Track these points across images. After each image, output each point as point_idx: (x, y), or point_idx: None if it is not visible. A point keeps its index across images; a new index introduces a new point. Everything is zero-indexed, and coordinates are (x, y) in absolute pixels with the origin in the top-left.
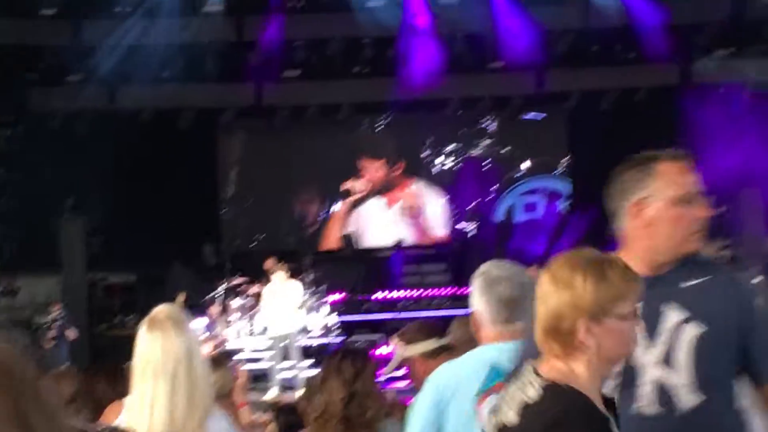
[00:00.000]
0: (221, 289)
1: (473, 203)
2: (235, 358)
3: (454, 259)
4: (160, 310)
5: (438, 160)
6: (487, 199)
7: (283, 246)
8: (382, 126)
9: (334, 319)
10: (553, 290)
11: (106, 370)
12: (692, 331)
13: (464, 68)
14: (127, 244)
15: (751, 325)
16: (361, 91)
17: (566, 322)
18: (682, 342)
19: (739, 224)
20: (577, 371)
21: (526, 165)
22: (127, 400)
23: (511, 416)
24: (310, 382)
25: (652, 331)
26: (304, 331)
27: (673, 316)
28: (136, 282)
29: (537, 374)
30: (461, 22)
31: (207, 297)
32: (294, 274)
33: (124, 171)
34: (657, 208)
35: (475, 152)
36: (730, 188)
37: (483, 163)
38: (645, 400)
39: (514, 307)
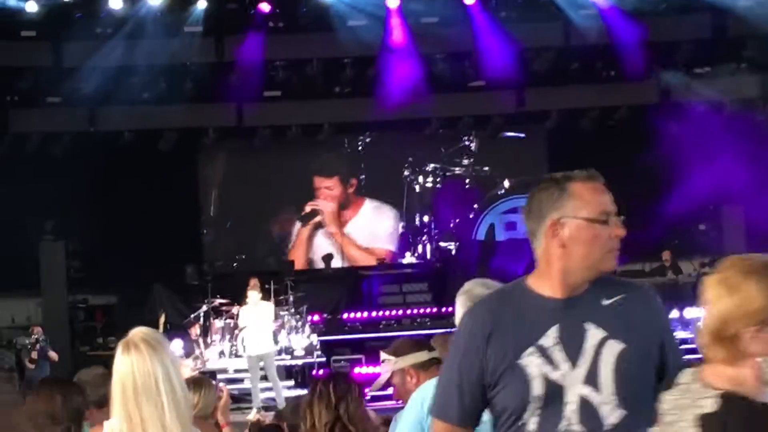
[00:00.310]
0: (203, 309)
1: (454, 222)
2: (218, 378)
3: (435, 279)
4: (135, 332)
5: (419, 179)
6: (467, 218)
7: (263, 266)
8: (363, 145)
9: (315, 339)
10: (722, 294)
11: (60, 386)
12: (613, 350)
13: (445, 87)
14: (108, 266)
15: (666, 340)
16: (342, 111)
17: (732, 327)
18: (604, 360)
19: (719, 241)
20: (745, 377)
21: (506, 184)
22: (112, 423)
23: (686, 429)
24: (291, 402)
25: (575, 350)
26: (286, 351)
27: (594, 335)
28: (117, 303)
29: (704, 383)
30: (442, 42)
31: (188, 318)
32: (275, 294)
33: (104, 192)
34: (572, 229)
35: (456, 171)
36: (710, 205)
37: (464, 182)
38: (571, 419)
39: None
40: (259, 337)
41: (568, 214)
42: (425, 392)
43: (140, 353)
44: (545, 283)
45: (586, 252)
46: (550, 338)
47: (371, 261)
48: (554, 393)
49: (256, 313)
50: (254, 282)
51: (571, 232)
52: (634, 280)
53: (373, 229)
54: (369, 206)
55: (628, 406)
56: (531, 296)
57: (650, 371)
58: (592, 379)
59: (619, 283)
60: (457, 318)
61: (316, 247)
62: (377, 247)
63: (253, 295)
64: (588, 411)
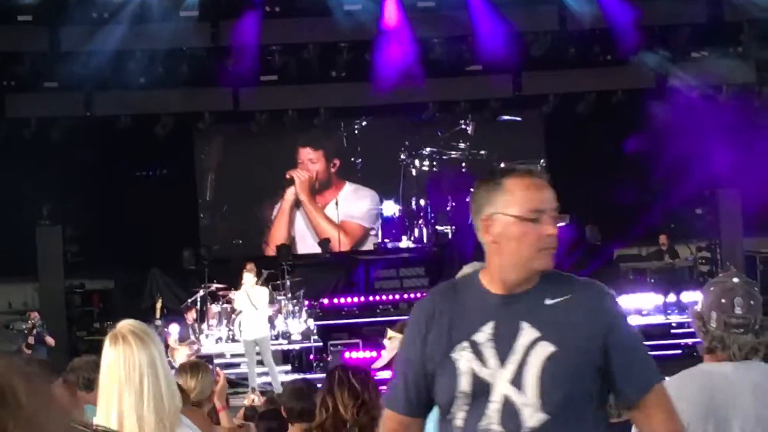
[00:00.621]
0: (199, 294)
1: (450, 206)
2: (215, 362)
3: (432, 263)
4: (123, 324)
5: (415, 163)
6: (464, 202)
7: (260, 251)
8: (359, 130)
9: (312, 324)
10: None
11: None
12: (543, 352)
13: (441, 71)
14: (105, 251)
15: (611, 343)
16: (338, 95)
17: None
18: (531, 362)
19: (716, 225)
20: None
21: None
22: (97, 411)
23: None
24: (288, 386)
25: (506, 349)
26: (283, 336)
27: (527, 335)
28: (114, 288)
29: None
30: (438, 26)
31: (185, 302)
32: (272, 279)
33: (101, 177)
34: (502, 224)
35: (452, 155)
36: (707, 189)
37: (460, 166)
38: (491, 419)
39: None
40: (255, 322)
41: (498, 210)
42: None
43: (128, 345)
44: (489, 279)
45: (515, 249)
46: (484, 334)
47: (345, 238)
48: (481, 390)
49: (252, 297)
50: (250, 266)
51: (500, 228)
52: (589, 280)
53: (349, 209)
54: (349, 189)
55: (550, 410)
56: (478, 290)
57: (586, 376)
58: (517, 379)
59: (570, 282)
60: None
61: (297, 224)
62: (352, 222)
63: (249, 278)
64: (509, 412)
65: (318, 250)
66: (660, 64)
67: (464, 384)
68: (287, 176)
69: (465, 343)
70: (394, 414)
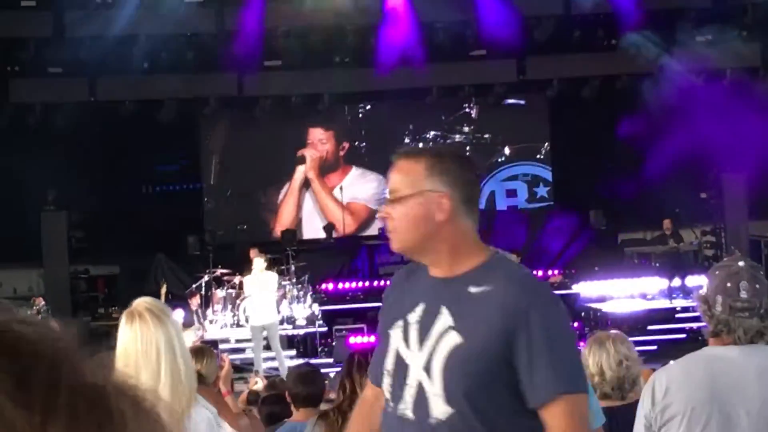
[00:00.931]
0: (204, 279)
1: None
2: (220, 348)
3: None
4: (139, 302)
5: (419, 147)
6: None
7: (265, 236)
8: (363, 114)
9: (317, 308)
10: None
11: None
12: (450, 342)
13: (445, 56)
14: (110, 236)
15: (519, 341)
16: (343, 81)
17: None
18: (440, 351)
19: (720, 209)
20: None
21: (507, 151)
22: None
23: None
24: (293, 371)
25: (425, 333)
26: (288, 321)
27: (442, 321)
28: (119, 273)
29: None
30: (442, 10)
31: (190, 288)
32: (277, 264)
33: (105, 163)
34: None
35: (456, 138)
36: (711, 173)
37: (464, 150)
38: (407, 403)
39: None
40: (263, 307)
41: None
42: None
43: (144, 322)
44: None
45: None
46: (415, 314)
47: (350, 219)
48: (401, 371)
49: (260, 282)
50: (254, 252)
51: None
52: (522, 275)
53: (355, 193)
54: (355, 173)
55: (455, 404)
56: (425, 270)
57: (493, 371)
58: (428, 366)
59: (501, 273)
60: None
61: (305, 206)
62: (357, 203)
63: (259, 263)
64: (421, 399)
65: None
66: (662, 48)
67: (389, 362)
68: (298, 154)
69: (400, 321)
70: (369, 382)
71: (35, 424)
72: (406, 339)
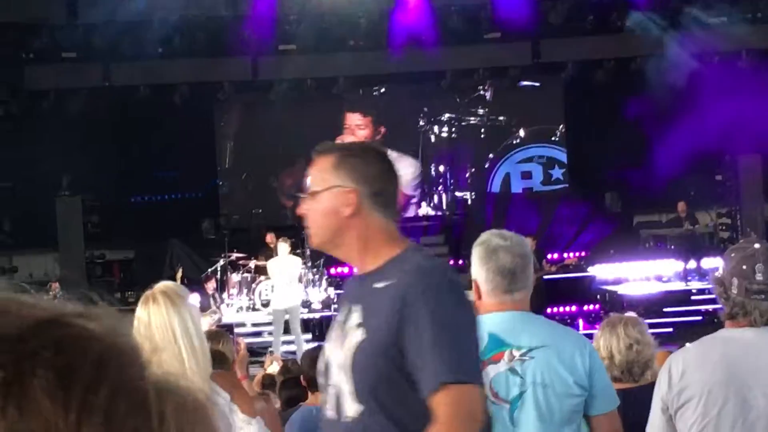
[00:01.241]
0: (219, 264)
1: (470, 172)
2: (236, 331)
3: (451, 231)
4: (158, 286)
5: (434, 129)
6: (483, 168)
7: (280, 220)
8: (378, 98)
9: (332, 292)
10: None
11: None
12: (355, 338)
13: (460, 39)
14: (125, 221)
15: (409, 337)
16: (357, 64)
17: None
18: (347, 347)
19: (736, 191)
20: None
21: (521, 133)
22: None
23: None
24: (308, 355)
25: (342, 332)
26: (303, 305)
27: (354, 318)
28: (134, 258)
29: None
30: None
31: (205, 272)
32: (293, 248)
33: (120, 147)
34: None
35: (471, 121)
36: (727, 155)
37: (479, 132)
38: (330, 402)
39: (514, 277)
40: (287, 291)
41: None
42: None
43: (158, 306)
44: None
45: None
46: (341, 315)
47: None
48: (327, 370)
49: (284, 266)
50: (271, 236)
51: None
52: (423, 267)
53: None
54: (391, 156)
55: (363, 401)
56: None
57: (394, 365)
58: (343, 366)
59: (404, 267)
60: (473, 270)
61: None
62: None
63: (283, 248)
64: (339, 398)
65: None
66: (676, 30)
67: (321, 361)
68: (337, 140)
69: (334, 322)
70: None
71: (70, 423)
72: (331, 339)
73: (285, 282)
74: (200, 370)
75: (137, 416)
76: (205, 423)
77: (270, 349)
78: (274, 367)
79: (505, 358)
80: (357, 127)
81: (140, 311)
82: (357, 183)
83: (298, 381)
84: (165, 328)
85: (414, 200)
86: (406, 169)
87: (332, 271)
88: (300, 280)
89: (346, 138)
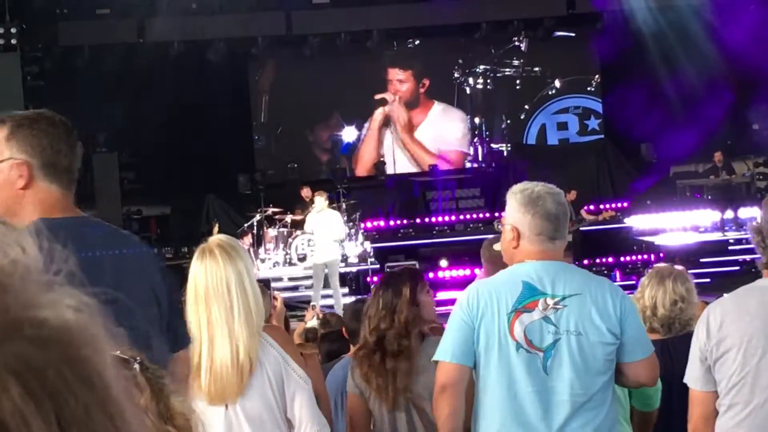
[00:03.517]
0: (256, 219)
1: (505, 123)
2: (272, 286)
3: (487, 184)
4: (212, 239)
5: (469, 81)
6: (519, 119)
7: (316, 174)
8: (412, 50)
9: (368, 246)
10: None
11: None
12: None
13: None
14: (161, 177)
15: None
16: (391, 17)
17: None
18: None
19: None
20: None
21: (557, 84)
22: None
23: None
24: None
25: None
26: (341, 259)
27: None
28: (170, 214)
29: None
30: None
31: (242, 227)
32: (329, 203)
33: (156, 104)
34: None
35: (507, 72)
36: (763, 104)
37: (514, 83)
38: None
39: (558, 224)
40: (327, 245)
41: None
42: (468, 294)
43: (215, 259)
44: None
45: None
46: None
47: (447, 166)
48: None
49: (324, 220)
50: (306, 190)
51: None
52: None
53: (441, 132)
54: (437, 109)
55: None
56: None
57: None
58: None
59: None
60: (512, 217)
61: (386, 149)
62: (449, 149)
63: (320, 202)
64: None
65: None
66: None
67: None
68: (377, 97)
69: None
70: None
71: None
72: None
73: (324, 236)
74: (250, 324)
75: None
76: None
77: (312, 303)
78: (313, 321)
79: (539, 306)
80: (398, 82)
81: (196, 264)
82: (28, 155)
83: (339, 334)
84: (220, 280)
85: (469, 157)
86: (454, 122)
87: (368, 225)
88: (340, 235)
89: (389, 93)
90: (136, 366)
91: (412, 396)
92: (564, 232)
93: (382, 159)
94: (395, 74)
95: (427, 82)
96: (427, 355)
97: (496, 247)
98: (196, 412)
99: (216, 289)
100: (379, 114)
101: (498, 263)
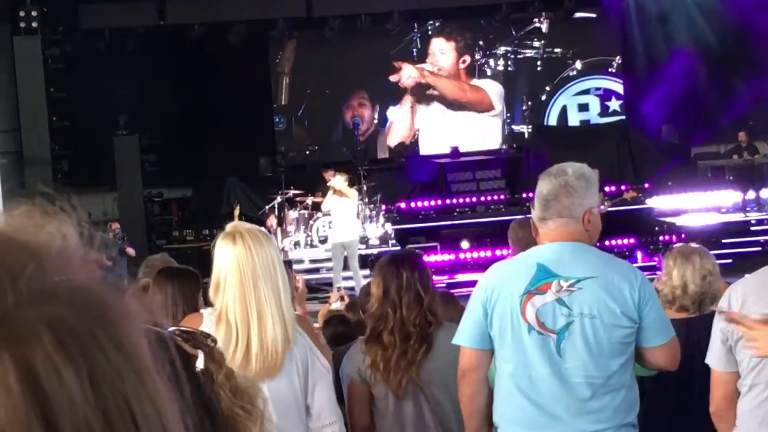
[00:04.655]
0: (277, 201)
1: (526, 105)
2: (294, 268)
3: (508, 165)
4: (237, 224)
5: (490, 63)
6: (540, 101)
7: (337, 156)
8: (432, 32)
9: (389, 228)
10: None
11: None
12: None
13: None
14: (182, 159)
15: None
16: None
17: None
18: None
19: None
20: None
21: (578, 65)
22: (220, 307)
23: None
24: (365, 289)
25: None
26: (361, 240)
27: None
28: (192, 196)
29: None
30: None
31: (263, 209)
32: (350, 184)
33: (176, 86)
34: None
35: (527, 54)
36: None
37: (535, 64)
38: None
39: (546, 204)
40: (345, 225)
41: None
42: (487, 276)
43: (257, 240)
44: None
45: None
46: None
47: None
48: None
49: (341, 200)
50: (330, 172)
51: None
52: None
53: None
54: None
55: None
56: None
57: None
58: None
59: None
60: (544, 188)
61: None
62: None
63: (338, 181)
64: None
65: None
66: None
67: None
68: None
69: None
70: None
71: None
72: None
73: (342, 216)
74: (288, 301)
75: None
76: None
77: (337, 285)
78: (337, 303)
79: (553, 288)
80: (440, 52)
81: (235, 247)
82: None
83: (344, 318)
84: (266, 259)
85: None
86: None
87: (389, 206)
88: (357, 216)
89: (425, 67)
90: (211, 342)
91: (421, 383)
92: (557, 211)
93: (417, 133)
94: (438, 45)
95: (468, 59)
96: (438, 341)
97: None
98: (262, 390)
99: (264, 268)
100: (408, 87)
101: (522, 245)
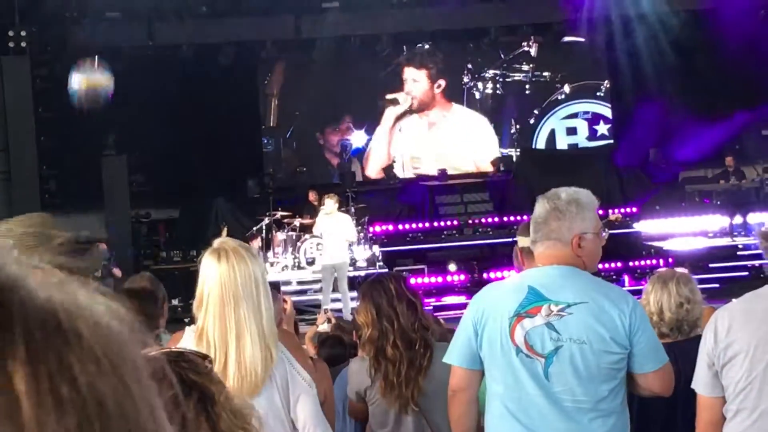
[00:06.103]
0: (264, 222)
1: (514, 128)
2: (282, 290)
3: (496, 188)
4: (225, 241)
5: (478, 86)
6: (528, 124)
7: (325, 178)
8: (421, 55)
9: (377, 250)
10: None
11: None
12: None
13: None
14: (170, 180)
15: None
16: (400, 21)
17: None
18: None
19: None
20: None
21: (566, 89)
22: (201, 325)
23: None
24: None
25: None
26: (349, 263)
27: None
28: (179, 217)
29: None
30: None
31: (250, 231)
32: (339, 205)
33: (164, 106)
34: None
35: (516, 77)
36: None
37: (524, 88)
38: None
39: (536, 227)
40: (336, 247)
41: None
42: (478, 297)
43: (241, 258)
44: None
45: None
46: None
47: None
48: None
49: (333, 222)
50: (314, 194)
51: None
52: None
53: (467, 136)
54: (460, 110)
55: None
56: None
57: None
58: None
59: None
60: (536, 210)
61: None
62: (482, 159)
63: (330, 204)
64: None
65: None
66: None
67: None
68: (389, 97)
69: None
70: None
71: None
72: None
73: (334, 238)
74: (271, 323)
75: (54, 339)
76: (122, 336)
77: (324, 307)
78: (324, 325)
79: (543, 312)
80: (413, 81)
81: (219, 264)
82: None
83: (339, 339)
84: (249, 278)
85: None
86: (484, 128)
87: (376, 229)
88: (351, 236)
89: (402, 94)
90: (208, 364)
91: (421, 401)
92: (546, 234)
93: (393, 162)
94: (410, 73)
95: (443, 83)
96: (435, 359)
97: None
98: (257, 411)
99: (245, 286)
100: (390, 113)
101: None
